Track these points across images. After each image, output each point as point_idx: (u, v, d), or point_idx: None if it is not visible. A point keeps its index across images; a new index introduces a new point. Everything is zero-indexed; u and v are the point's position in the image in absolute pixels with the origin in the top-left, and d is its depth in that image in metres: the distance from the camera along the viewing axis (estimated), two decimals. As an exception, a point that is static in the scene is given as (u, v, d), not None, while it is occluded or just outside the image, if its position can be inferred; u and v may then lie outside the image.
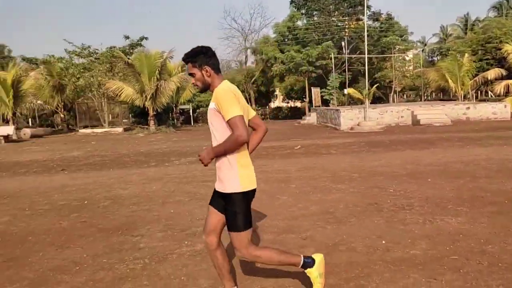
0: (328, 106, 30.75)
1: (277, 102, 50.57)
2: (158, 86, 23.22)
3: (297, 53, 33.75)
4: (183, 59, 2.72)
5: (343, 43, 35.24)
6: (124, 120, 30.07)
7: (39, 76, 25.13)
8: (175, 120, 32.06)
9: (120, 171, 9.37)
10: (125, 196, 6.58)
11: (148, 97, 23.62)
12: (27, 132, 21.97)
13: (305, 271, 2.74)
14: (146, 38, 27.30)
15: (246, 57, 43.65)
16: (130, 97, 23.70)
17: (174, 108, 32.18)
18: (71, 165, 10.42)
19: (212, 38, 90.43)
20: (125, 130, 25.96)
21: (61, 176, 8.97)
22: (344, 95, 33.88)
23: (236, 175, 2.56)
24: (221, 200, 2.68)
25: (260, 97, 44.11)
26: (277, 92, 46.55)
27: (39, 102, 28.13)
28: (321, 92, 32.20)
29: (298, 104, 45.06)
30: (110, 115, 28.62)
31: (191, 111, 36.93)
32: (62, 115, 27.43)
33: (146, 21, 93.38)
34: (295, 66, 33.73)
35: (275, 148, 12.52)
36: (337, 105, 30.66)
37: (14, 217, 5.52)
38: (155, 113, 24.89)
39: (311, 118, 27.25)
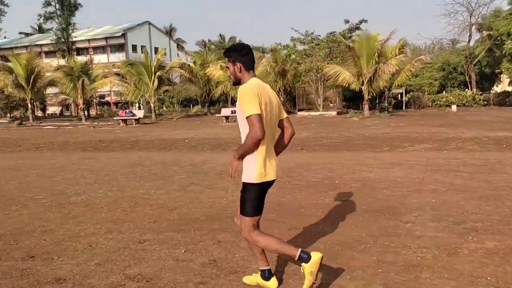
0: None
1: (501, 86, 43.08)
2: (377, 69, 22.69)
3: (544, 25, 27.62)
4: (223, 54, 2.99)
5: None
6: (330, 104, 30.83)
7: (267, 63, 27.83)
8: (387, 105, 30.98)
9: (353, 153, 9.47)
10: (373, 179, 6.54)
11: (365, 80, 23.38)
12: (255, 113, 24.76)
13: (301, 264, 2.80)
14: (366, 21, 26.95)
15: (470, 35, 38.40)
16: (346, 81, 23.92)
17: (387, 92, 31.11)
18: (306, 145, 11.12)
19: (429, 17, 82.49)
20: (338, 113, 26.51)
21: (301, 154, 9.65)
22: None
23: (253, 167, 2.75)
24: None
25: (482, 80, 38.42)
26: (504, 74, 39.53)
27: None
28: None
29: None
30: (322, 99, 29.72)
31: (403, 95, 35.04)
32: (282, 99, 29.83)
33: (365, 4, 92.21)
34: (537, 41, 27.66)
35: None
36: None
37: (279, 189, 6.09)
38: (370, 97, 24.56)
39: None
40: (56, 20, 44.40)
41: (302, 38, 27.53)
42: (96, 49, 50.87)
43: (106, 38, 51.01)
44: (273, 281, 3.00)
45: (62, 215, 5.10)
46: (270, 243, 2.85)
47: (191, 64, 31.20)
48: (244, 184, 2.84)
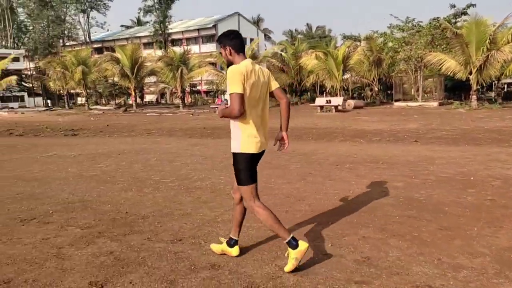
0: None
1: None
2: (488, 57, 20.60)
3: None
4: (217, 41, 3.29)
5: None
6: (425, 95, 28.74)
7: (362, 51, 26.77)
8: (496, 95, 28.11)
9: (478, 147, 8.66)
10: (514, 178, 5.84)
11: (474, 69, 21.38)
12: (351, 103, 24.05)
13: (288, 249, 3.04)
14: (474, 5, 24.53)
15: None
16: (451, 70, 22.10)
17: (495, 82, 28.22)
18: (420, 137, 10.44)
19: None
20: (440, 104, 24.68)
21: (416, 146, 9.05)
22: None
23: (239, 139, 3.06)
24: None
25: None
26: None
27: (346, 76, 30.08)
28: None
29: None
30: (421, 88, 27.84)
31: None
32: (376, 88, 28.57)
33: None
34: None
35: None
36: None
37: (406, 183, 5.72)
38: (479, 87, 22.46)
39: None
40: (155, 13, 47.31)
41: (402, 25, 25.90)
42: (189, 40, 53.28)
43: (198, 30, 53.18)
44: (236, 249, 3.35)
45: (194, 199, 5.26)
46: (268, 218, 3.09)
47: (284, 54, 31.14)
48: (233, 154, 3.15)
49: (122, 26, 68.48)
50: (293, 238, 3.05)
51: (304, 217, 4.37)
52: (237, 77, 2.95)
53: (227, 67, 3.19)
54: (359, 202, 4.87)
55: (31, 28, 54.76)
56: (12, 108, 39.73)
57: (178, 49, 37.39)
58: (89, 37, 55.77)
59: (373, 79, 27.72)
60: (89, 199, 5.36)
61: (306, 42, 34.35)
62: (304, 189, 5.59)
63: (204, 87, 46.73)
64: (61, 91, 39.38)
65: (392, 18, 26.51)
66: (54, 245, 3.76)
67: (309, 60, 26.65)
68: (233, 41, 3.14)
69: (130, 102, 42.00)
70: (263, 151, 3.22)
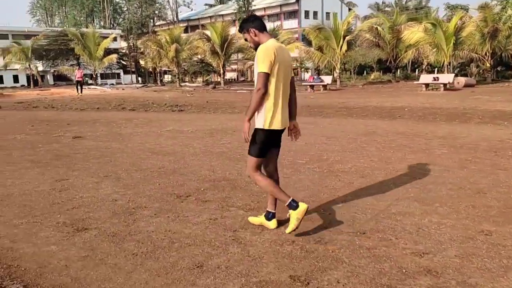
0: None
1: None
2: None
3: None
4: (239, 31, 3.37)
5: None
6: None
7: (474, 22, 23.98)
8: None
9: None
10: None
11: None
12: (461, 81, 21.84)
13: (289, 210, 3.18)
14: None
15: None
16: None
17: None
18: None
19: None
20: None
21: None
22: None
23: (262, 116, 3.16)
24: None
25: None
26: None
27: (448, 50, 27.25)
28: None
29: None
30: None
31: None
32: (488, 64, 25.62)
33: None
34: None
35: None
36: None
37: None
38: None
39: None
40: (239, -10, 47.21)
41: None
42: (271, 17, 52.60)
43: (280, 6, 52.33)
44: (273, 222, 3.44)
45: (345, 184, 4.73)
46: (269, 185, 3.26)
47: (379, 28, 29.19)
48: (255, 129, 3.21)
49: (206, 4, 69.63)
50: (293, 200, 3.18)
51: (501, 216, 3.62)
52: (268, 56, 3.04)
53: (255, 50, 3.23)
54: None
55: (125, 9, 57.74)
56: (113, 84, 42.45)
57: (270, 25, 36.92)
58: (177, 16, 57.47)
59: (486, 53, 24.73)
60: (232, 178, 5.08)
61: (405, 14, 31.75)
62: (474, 179, 4.77)
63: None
64: (155, 68, 41.15)
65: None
66: (227, 228, 3.48)
67: (413, 33, 24.35)
68: (254, 23, 3.23)
69: (213, 79, 42.67)
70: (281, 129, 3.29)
